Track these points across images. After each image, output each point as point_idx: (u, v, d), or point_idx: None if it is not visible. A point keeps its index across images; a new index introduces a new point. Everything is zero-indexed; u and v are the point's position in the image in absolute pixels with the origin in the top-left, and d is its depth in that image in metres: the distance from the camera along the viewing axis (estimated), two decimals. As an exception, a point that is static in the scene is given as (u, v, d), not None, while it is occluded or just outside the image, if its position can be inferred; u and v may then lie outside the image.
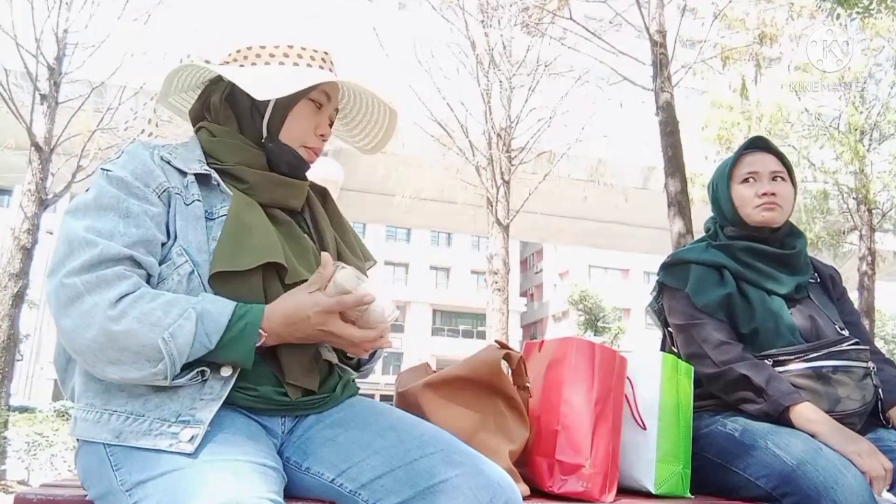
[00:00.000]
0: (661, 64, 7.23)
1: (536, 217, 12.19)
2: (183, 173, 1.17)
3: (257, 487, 0.92)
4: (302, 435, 1.14)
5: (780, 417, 1.55)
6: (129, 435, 1.01)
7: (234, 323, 1.05)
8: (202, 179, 1.18)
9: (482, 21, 10.29)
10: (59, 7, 7.63)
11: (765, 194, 1.76)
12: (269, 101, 1.22)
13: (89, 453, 1.05)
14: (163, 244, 1.12)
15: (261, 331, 1.06)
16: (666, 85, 7.20)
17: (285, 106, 1.23)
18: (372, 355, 1.33)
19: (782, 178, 1.80)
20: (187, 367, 1.04)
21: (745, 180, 1.80)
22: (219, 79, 1.26)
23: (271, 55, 1.24)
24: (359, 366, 1.33)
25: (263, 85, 1.17)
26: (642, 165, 15.45)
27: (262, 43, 1.25)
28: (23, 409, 13.22)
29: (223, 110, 1.25)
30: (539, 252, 43.85)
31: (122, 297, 1.02)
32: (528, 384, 1.33)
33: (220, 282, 1.10)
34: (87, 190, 1.14)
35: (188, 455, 0.96)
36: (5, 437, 7.10)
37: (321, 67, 1.27)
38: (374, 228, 34.88)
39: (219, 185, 1.18)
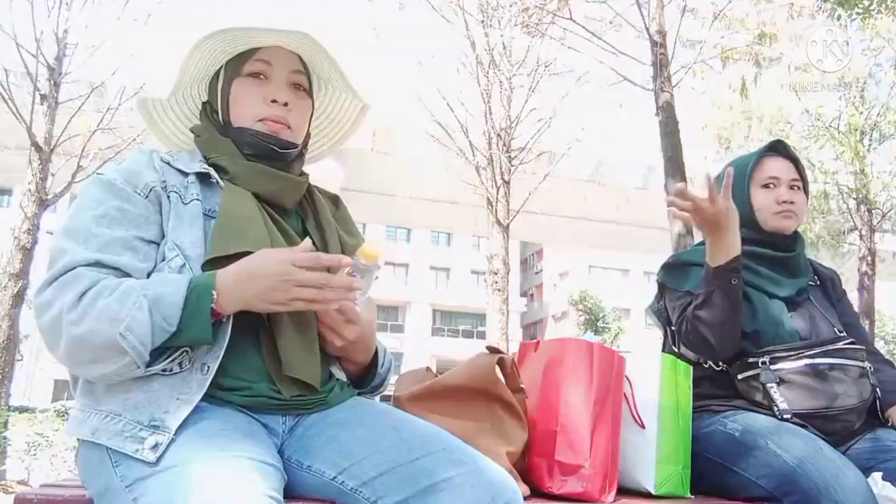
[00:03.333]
0: (661, 64, 7.23)
1: (536, 217, 12.17)
2: (184, 173, 1.20)
3: (257, 484, 0.91)
4: (303, 434, 1.14)
5: (716, 278, 1.61)
6: (103, 433, 1.02)
7: (188, 297, 1.02)
8: (203, 179, 1.21)
9: (482, 21, 10.29)
10: (59, 7, 7.63)
11: (784, 202, 1.78)
12: (217, 95, 1.26)
13: (90, 451, 1.05)
14: (155, 242, 1.13)
15: (213, 293, 1.02)
16: (666, 85, 7.20)
17: (224, 93, 1.26)
18: (374, 363, 1.32)
19: (798, 188, 1.82)
20: (166, 353, 1.03)
21: (766, 185, 1.81)
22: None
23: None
24: (366, 379, 1.32)
25: (164, 87, 1.26)
26: (642, 165, 15.46)
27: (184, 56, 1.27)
28: (23, 409, 13.19)
29: (201, 118, 1.31)
30: (539, 252, 43.83)
31: (82, 295, 1.01)
32: (522, 386, 1.33)
33: (213, 269, 1.09)
34: None
35: (150, 464, 0.96)
36: (5, 437, 7.10)
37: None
38: (374, 228, 34.87)
39: (217, 182, 1.21)
